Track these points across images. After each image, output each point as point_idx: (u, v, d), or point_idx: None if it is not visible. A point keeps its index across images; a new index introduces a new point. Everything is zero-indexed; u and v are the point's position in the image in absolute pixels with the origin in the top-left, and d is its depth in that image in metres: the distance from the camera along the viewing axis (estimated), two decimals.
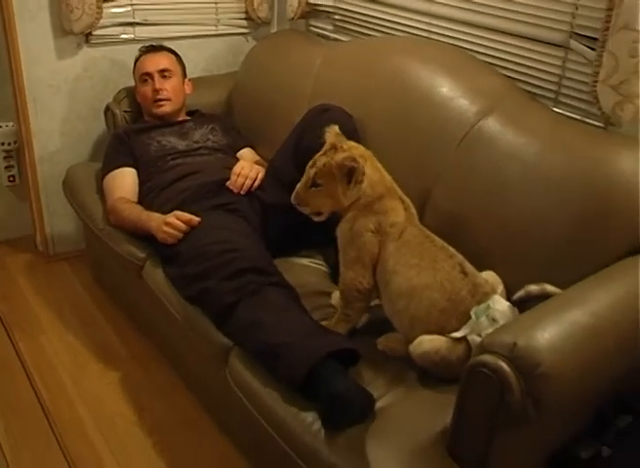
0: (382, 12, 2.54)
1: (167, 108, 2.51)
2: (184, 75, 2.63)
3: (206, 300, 1.87)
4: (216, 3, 2.90)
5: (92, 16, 2.56)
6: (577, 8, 1.90)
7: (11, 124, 2.84)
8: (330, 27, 2.82)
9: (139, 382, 2.27)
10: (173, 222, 2.05)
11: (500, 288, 1.71)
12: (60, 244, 2.93)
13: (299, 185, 1.76)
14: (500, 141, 1.91)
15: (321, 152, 1.75)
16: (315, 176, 1.72)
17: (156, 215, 2.14)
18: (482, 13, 2.17)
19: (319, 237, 2.03)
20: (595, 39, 1.83)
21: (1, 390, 2.22)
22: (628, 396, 1.70)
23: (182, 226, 2.04)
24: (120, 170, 2.39)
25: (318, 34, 2.87)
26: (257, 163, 2.36)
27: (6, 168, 2.91)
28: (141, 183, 2.36)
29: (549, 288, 1.59)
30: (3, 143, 2.87)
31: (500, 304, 1.59)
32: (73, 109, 2.75)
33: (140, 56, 2.57)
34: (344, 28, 2.75)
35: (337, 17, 2.77)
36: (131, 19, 2.74)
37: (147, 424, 2.11)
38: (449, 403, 1.43)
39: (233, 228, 2.05)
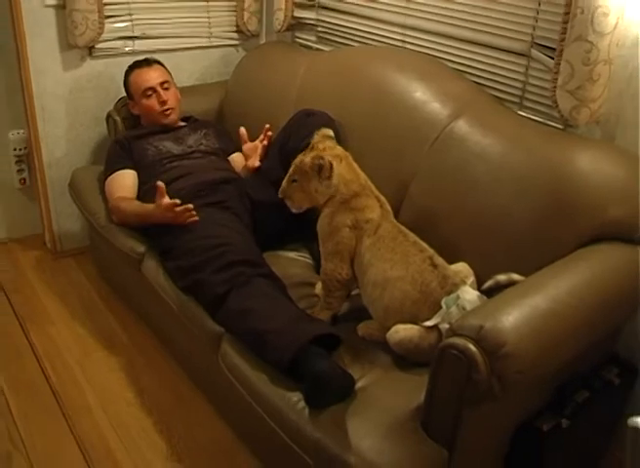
0: (361, 24, 2.54)
1: (173, 116, 2.50)
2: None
3: (199, 291, 1.87)
4: (208, 17, 2.89)
5: (94, 31, 2.56)
6: (536, 20, 1.91)
7: (22, 131, 2.83)
8: (314, 38, 2.82)
9: (139, 367, 2.27)
10: (168, 205, 2.01)
11: (471, 279, 1.71)
12: (67, 241, 2.92)
13: (284, 181, 1.79)
14: (469, 142, 1.92)
15: (303, 152, 1.77)
16: (293, 173, 1.76)
17: (155, 210, 2.10)
18: (451, 24, 2.17)
19: (304, 232, 2.03)
20: (553, 49, 1.84)
21: (15, 375, 2.22)
22: (586, 373, 1.72)
23: (175, 202, 2.02)
24: (121, 172, 2.38)
25: (303, 45, 2.87)
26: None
27: (17, 171, 2.90)
28: (140, 185, 2.35)
29: (516, 276, 1.59)
30: (15, 149, 2.85)
31: (468, 294, 1.59)
32: (77, 117, 2.75)
33: (132, 71, 2.52)
34: (327, 39, 2.76)
35: (320, 29, 2.77)
36: (130, 34, 2.73)
37: (147, 405, 2.11)
38: (422, 382, 1.45)
39: (225, 224, 2.05)
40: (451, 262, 1.76)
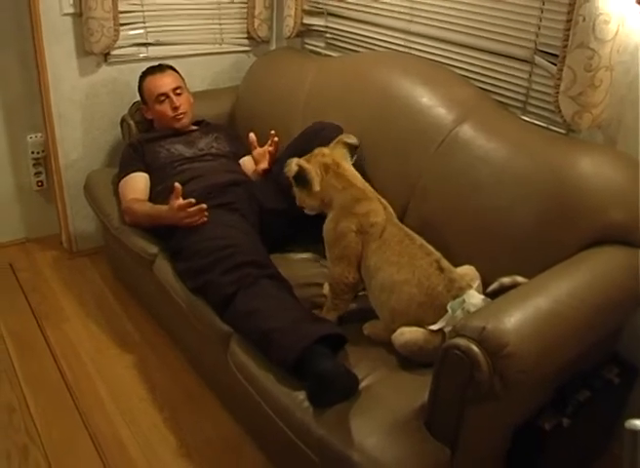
0: (368, 30, 2.53)
1: (185, 121, 2.49)
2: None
3: (208, 292, 1.87)
4: (220, 24, 2.89)
5: (110, 38, 2.56)
6: (539, 28, 1.90)
7: (39, 135, 2.84)
8: (322, 45, 2.81)
9: (151, 365, 2.27)
10: (182, 204, 2.00)
11: (477, 282, 1.68)
12: (83, 241, 2.93)
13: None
14: (474, 146, 1.90)
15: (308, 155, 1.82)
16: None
17: (165, 209, 2.09)
18: (456, 31, 2.16)
19: (311, 235, 2.00)
20: (556, 55, 1.82)
21: (32, 372, 2.22)
22: (587, 373, 1.70)
23: (190, 202, 2.00)
24: (134, 174, 2.37)
25: (312, 51, 2.86)
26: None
27: (35, 174, 2.91)
28: (152, 187, 2.35)
29: (520, 279, 1.58)
30: (33, 152, 2.86)
31: (474, 298, 1.57)
32: (93, 121, 2.75)
33: (146, 77, 2.51)
34: (335, 45, 2.75)
35: (328, 35, 2.77)
36: (144, 41, 2.74)
37: (159, 402, 2.11)
38: (426, 382, 1.44)
39: (234, 226, 2.04)
40: (456, 265, 1.74)
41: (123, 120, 2.65)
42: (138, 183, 2.36)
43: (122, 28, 2.62)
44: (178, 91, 2.48)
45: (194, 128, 2.56)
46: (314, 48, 2.85)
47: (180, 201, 2.01)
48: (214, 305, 1.85)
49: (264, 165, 2.29)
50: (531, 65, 1.95)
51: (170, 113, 2.45)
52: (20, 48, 2.66)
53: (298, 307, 1.77)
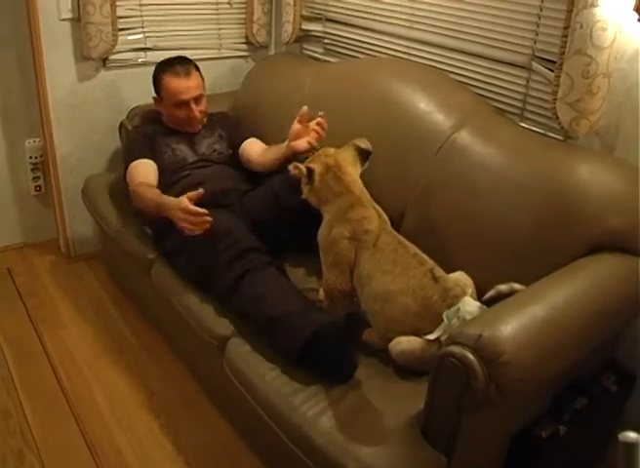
0: (367, 36, 2.53)
1: (198, 126, 2.44)
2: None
3: (215, 280, 1.87)
4: (218, 29, 2.89)
5: (108, 43, 2.56)
6: (537, 34, 1.90)
7: (38, 140, 2.84)
8: (321, 50, 2.81)
9: (148, 370, 2.27)
10: (190, 209, 1.87)
11: (470, 289, 1.68)
12: (80, 246, 2.93)
13: None
14: (472, 152, 1.90)
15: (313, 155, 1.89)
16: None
17: (172, 201, 1.96)
18: (455, 37, 2.16)
19: (305, 243, 1.98)
20: (553, 62, 1.82)
21: (28, 377, 2.22)
22: (584, 380, 1.70)
23: (197, 211, 1.88)
24: (144, 160, 2.30)
25: (310, 56, 2.86)
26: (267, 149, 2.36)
27: (33, 179, 2.90)
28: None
29: (517, 286, 1.57)
30: (31, 157, 2.86)
31: (469, 306, 1.56)
32: (91, 126, 2.75)
33: (167, 74, 2.36)
34: (334, 51, 2.75)
35: (326, 41, 2.77)
36: (143, 46, 2.74)
37: (155, 408, 2.10)
38: (422, 390, 1.44)
39: (234, 221, 2.04)
40: (452, 270, 1.74)
41: (121, 125, 2.65)
42: (148, 170, 2.28)
43: (120, 33, 2.62)
44: (198, 97, 2.38)
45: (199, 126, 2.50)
46: (313, 53, 2.86)
47: (192, 205, 1.88)
48: (219, 293, 1.86)
49: (303, 144, 2.08)
50: (528, 72, 1.95)
51: (184, 117, 2.38)
52: (18, 53, 2.66)
53: (303, 297, 1.78)
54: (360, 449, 1.40)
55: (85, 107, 2.70)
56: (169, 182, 2.28)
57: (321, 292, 1.89)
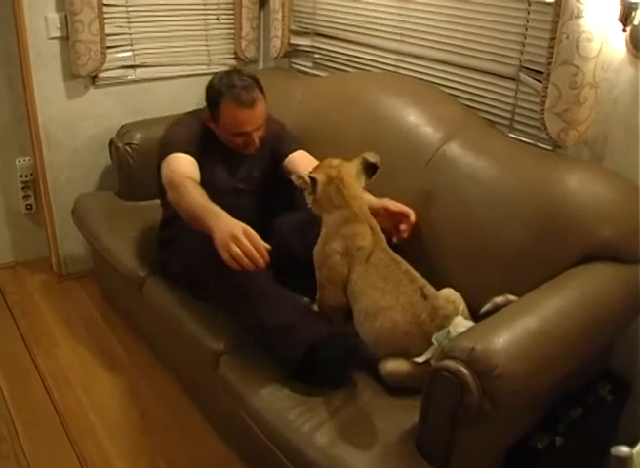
0: (356, 50, 2.55)
1: (253, 151, 2.10)
2: None
3: (211, 284, 1.82)
4: (207, 45, 2.91)
5: (97, 61, 2.57)
6: (524, 45, 1.92)
7: (28, 158, 2.84)
8: (310, 65, 2.83)
9: (141, 389, 2.25)
10: (249, 233, 1.58)
11: (462, 306, 1.67)
12: (72, 264, 2.92)
13: None
14: (462, 164, 1.91)
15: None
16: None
17: (224, 219, 1.64)
18: (443, 50, 2.18)
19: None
20: (541, 72, 1.84)
21: (21, 397, 2.21)
22: (579, 389, 1.70)
23: (259, 244, 1.58)
24: (190, 158, 1.97)
25: (299, 71, 2.87)
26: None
27: (24, 197, 2.90)
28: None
29: (512, 298, 1.57)
30: (21, 176, 2.86)
31: (460, 327, 1.55)
32: (81, 144, 2.75)
33: (229, 100, 1.98)
34: (323, 65, 2.76)
35: (316, 55, 2.78)
36: (132, 63, 2.74)
37: (150, 427, 2.09)
38: (415, 404, 1.44)
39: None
40: (444, 284, 1.74)
41: (111, 143, 2.65)
42: (195, 169, 1.96)
43: (109, 51, 2.62)
44: (260, 125, 2.05)
45: None
46: (302, 68, 2.87)
47: (255, 236, 1.58)
48: (216, 296, 1.84)
49: (404, 208, 1.89)
50: (516, 83, 1.97)
51: (240, 144, 2.06)
52: (7, 71, 2.66)
53: (301, 304, 1.80)
54: (355, 465, 1.40)
55: (75, 125, 2.70)
56: None
57: (315, 308, 1.89)
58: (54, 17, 2.49)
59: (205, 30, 2.87)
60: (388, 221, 1.88)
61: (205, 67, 2.93)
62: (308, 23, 2.74)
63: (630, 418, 1.82)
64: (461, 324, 1.58)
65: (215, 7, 2.85)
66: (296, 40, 2.80)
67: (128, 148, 2.60)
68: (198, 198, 1.76)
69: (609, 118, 1.76)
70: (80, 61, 2.53)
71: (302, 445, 1.48)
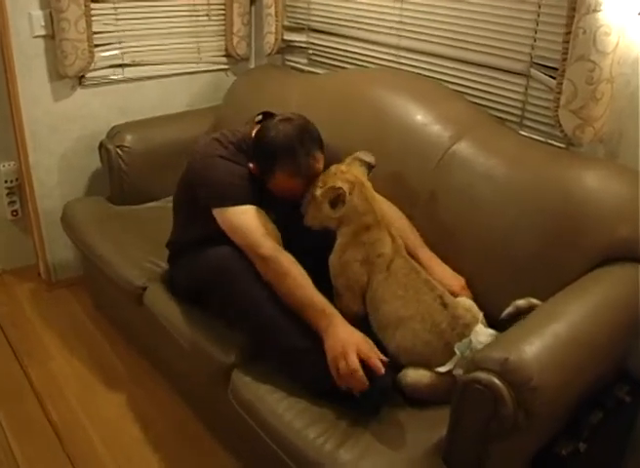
0: (353, 45, 2.48)
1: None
2: None
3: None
4: (197, 42, 2.82)
5: (84, 60, 2.48)
6: (535, 40, 1.86)
7: (12, 163, 2.74)
8: (304, 61, 2.76)
9: (141, 402, 2.18)
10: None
11: (481, 315, 1.63)
12: (61, 271, 2.82)
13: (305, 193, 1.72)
14: (473, 164, 1.85)
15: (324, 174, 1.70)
16: (308, 194, 1.71)
17: (338, 328, 1.53)
18: (447, 45, 2.12)
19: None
20: (554, 68, 1.79)
21: (15, 414, 2.11)
22: (599, 394, 1.66)
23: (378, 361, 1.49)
24: (256, 209, 1.74)
25: (294, 68, 2.80)
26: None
27: (9, 203, 2.80)
28: (195, 224, 1.87)
29: (535, 301, 1.53)
30: (6, 181, 2.76)
31: (481, 336, 1.51)
32: (69, 147, 2.66)
33: (286, 169, 1.70)
34: (318, 62, 2.69)
35: (310, 51, 2.71)
36: (120, 61, 2.65)
37: (152, 442, 2.02)
38: (437, 417, 1.41)
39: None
40: None
41: (101, 145, 2.56)
42: (268, 223, 1.73)
43: (97, 50, 2.54)
44: None
45: None
46: (296, 64, 2.80)
47: (369, 351, 1.50)
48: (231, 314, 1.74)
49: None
50: (527, 78, 1.92)
51: (289, 197, 1.79)
52: None
53: None
54: None
55: (62, 127, 2.61)
56: (209, 233, 1.77)
57: None
58: (38, 14, 2.40)
59: (195, 27, 2.79)
60: None
61: (195, 65, 2.85)
62: (303, 19, 2.67)
63: None
64: (483, 332, 1.54)
65: (205, 3, 2.77)
66: (290, 36, 2.73)
67: (119, 151, 2.51)
68: (309, 293, 1.60)
69: (624, 114, 1.72)
70: (67, 61, 2.44)
71: (326, 462, 1.42)
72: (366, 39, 2.42)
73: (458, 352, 1.51)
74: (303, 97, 2.39)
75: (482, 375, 1.26)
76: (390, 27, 2.30)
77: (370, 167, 1.77)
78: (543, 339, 1.32)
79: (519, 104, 1.96)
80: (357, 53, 2.47)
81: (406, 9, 2.21)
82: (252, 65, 3.00)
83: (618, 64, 1.64)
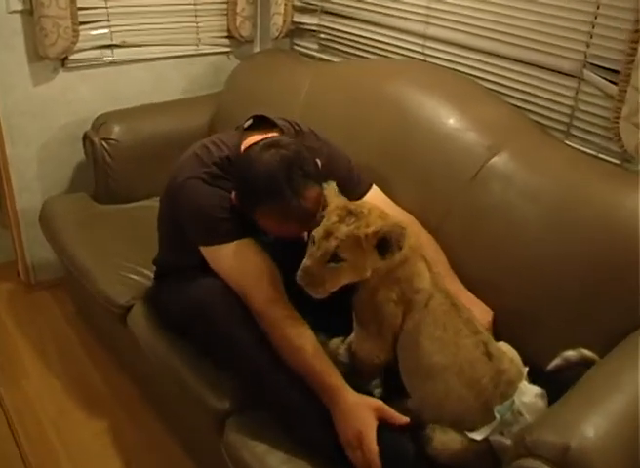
0: (371, 31, 2.21)
1: None
2: None
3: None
4: (196, 22, 2.54)
5: (67, 39, 2.20)
6: (591, 36, 1.59)
7: None
8: (315, 46, 2.49)
9: (125, 432, 1.95)
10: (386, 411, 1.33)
11: (525, 369, 1.39)
12: (42, 272, 2.59)
13: (309, 261, 1.30)
14: (514, 180, 1.61)
15: (333, 219, 1.31)
16: (337, 250, 1.28)
17: (351, 406, 1.32)
18: (483, 36, 1.85)
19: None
20: (613, 71, 1.53)
21: None
22: None
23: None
24: (249, 243, 1.49)
25: (303, 53, 2.53)
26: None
27: None
28: (182, 246, 1.60)
29: (587, 352, 1.32)
30: None
31: (525, 395, 1.29)
32: (51, 136, 2.40)
33: (277, 205, 1.40)
34: (331, 48, 2.42)
35: (322, 36, 2.44)
36: (109, 42, 2.38)
37: None
38: None
39: None
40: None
41: (86, 137, 2.29)
42: (266, 261, 1.49)
43: (82, 28, 2.25)
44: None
45: None
46: (305, 50, 2.53)
47: (389, 417, 1.33)
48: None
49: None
50: (578, 81, 1.65)
51: (276, 233, 1.51)
52: None
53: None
54: None
55: (42, 115, 2.35)
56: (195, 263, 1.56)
57: (342, 352, 1.55)
58: None
59: (194, 4, 2.50)
60: None
61: (194, 47, 2.58)
62: None
63: None
64: (527, 391, 1.32)
65: None
66: (300, 18, 2.45)
67: (105, 144, 2.25)
68: (322, 368, 1.37)
69: None
70: (47, 41, 2.16)
71: None
72: (386, 25, 2.14)
73: (498, 416, 1.27)
74: (315, 89, 2.13)
75: (535, 466, 1.03)
76: (416, 13, 2.02)
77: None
78: (605, 418, 1.10)
79: (567, 111, 1.70)
80: (376, 40, 2.20)
81: None
82: (256, 49, 2.73)
83: None
